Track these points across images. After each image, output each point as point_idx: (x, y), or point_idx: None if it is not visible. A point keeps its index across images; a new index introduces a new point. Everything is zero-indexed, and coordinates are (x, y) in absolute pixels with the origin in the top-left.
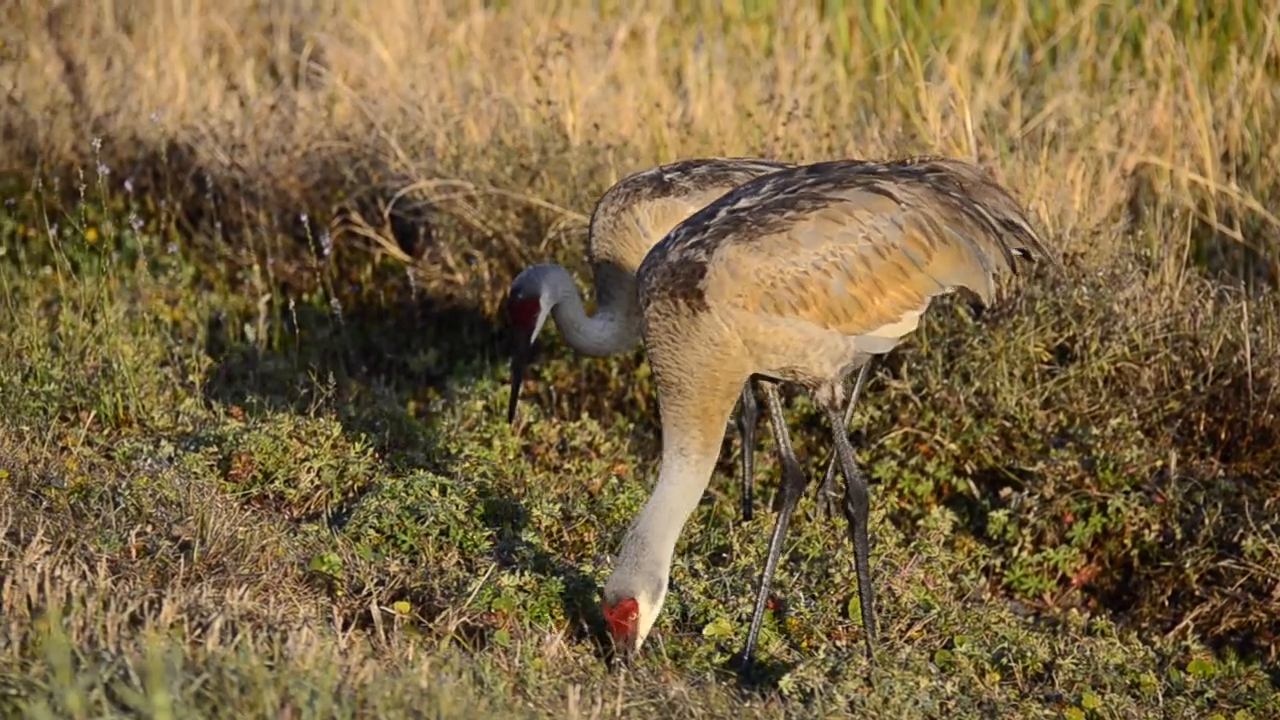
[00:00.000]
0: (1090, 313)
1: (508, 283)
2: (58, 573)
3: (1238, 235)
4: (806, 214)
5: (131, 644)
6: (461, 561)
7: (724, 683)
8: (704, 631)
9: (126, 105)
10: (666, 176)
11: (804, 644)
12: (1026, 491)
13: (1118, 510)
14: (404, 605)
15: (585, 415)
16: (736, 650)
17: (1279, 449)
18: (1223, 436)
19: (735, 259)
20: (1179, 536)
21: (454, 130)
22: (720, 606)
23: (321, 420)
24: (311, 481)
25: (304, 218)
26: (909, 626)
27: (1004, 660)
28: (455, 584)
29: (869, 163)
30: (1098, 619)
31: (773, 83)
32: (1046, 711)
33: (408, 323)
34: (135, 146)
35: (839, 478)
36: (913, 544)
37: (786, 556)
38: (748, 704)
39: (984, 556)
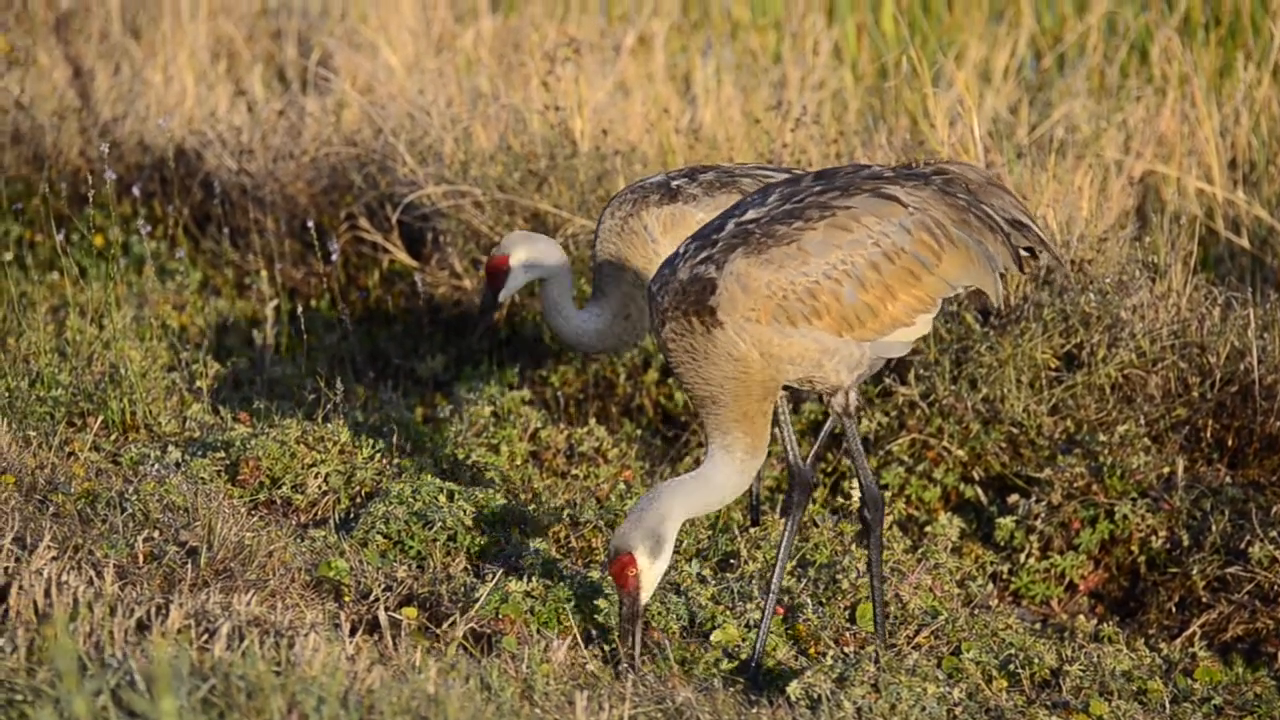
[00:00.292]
0: (1097, 319)
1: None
2: (64, 578)
3: (1245, 243)
4: (815, 223)
5: (138, 650)
6: (469, 567)
7: (731, 689)
8: (711, 637)
9: (134, 110)
10: (674, 183)
11: (811, 650)
12: (1034, 498)
13: (1125, 517)
14: (411, 611)
15: (593, 421)
16: (744, 656)
17: None
18: (1230, 443)
19: (746, 273)
20: (1186, 543)
21: (462, 136)
22: (728, 613)
23: (329, 426)
24: (319, 487)
25: (311, 223)
26: (916, 633)
27: (1011, 666)
28: (463, 590)
29: (875, 167)
30: (1105, 625)
31: (781, 89)
32: (1053, 718)
33: (415, 328)
34: (143, 152)
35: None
36: (920, 550)
37: (794, 563)
38: (755, 710)
39: (991, 563)
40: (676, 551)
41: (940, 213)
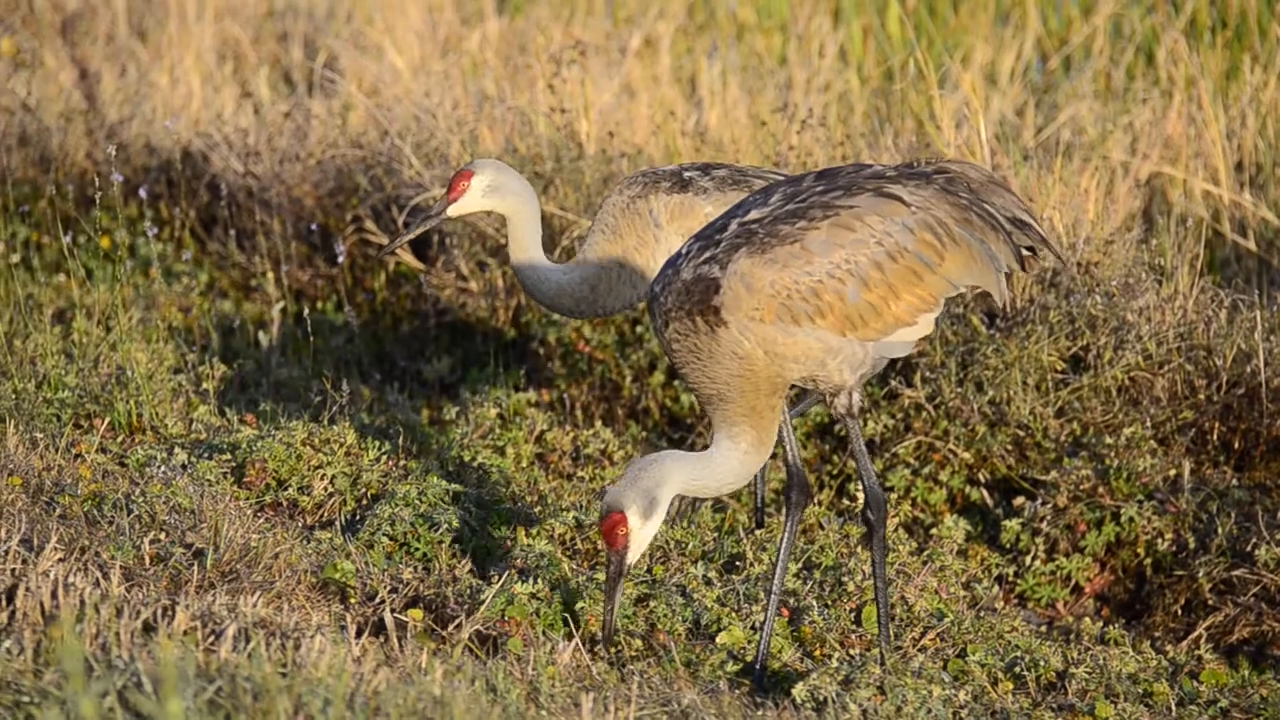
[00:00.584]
0: (1104, 322)
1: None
2: (71, 580)
3: (1251, 245)
4: (818, 223)
5: (145, 651)
6: (475, 569)
7: (737, 691)
8: (717, 640)
9: (141, 112)
10: (686, 174)
11: (817, 652)
12: (1040, 500)
13: (1131, 519)
14: (417, 613)
15: (599, 423)
16: (750, 658)
17: None
18: (1236, 446)
19: (749, 272)
20: (1192, 546)
21: (468, 138)
22: (733, 615)
23: (335, 428)
24: (325, 489)
25: (317, 226)
26: (922, 635)
27: (1017, 669)
28: (468, 592)
29: (876, 166)
30: (1111, 628)
31: (786, 91)
32: None
33: (421, 330)
34: (149, 154)
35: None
36: (926, 552)
37: (800, 565)
38: (761, 712)
39: (997, 565)
40: (682, 553)
41: (943, 212)
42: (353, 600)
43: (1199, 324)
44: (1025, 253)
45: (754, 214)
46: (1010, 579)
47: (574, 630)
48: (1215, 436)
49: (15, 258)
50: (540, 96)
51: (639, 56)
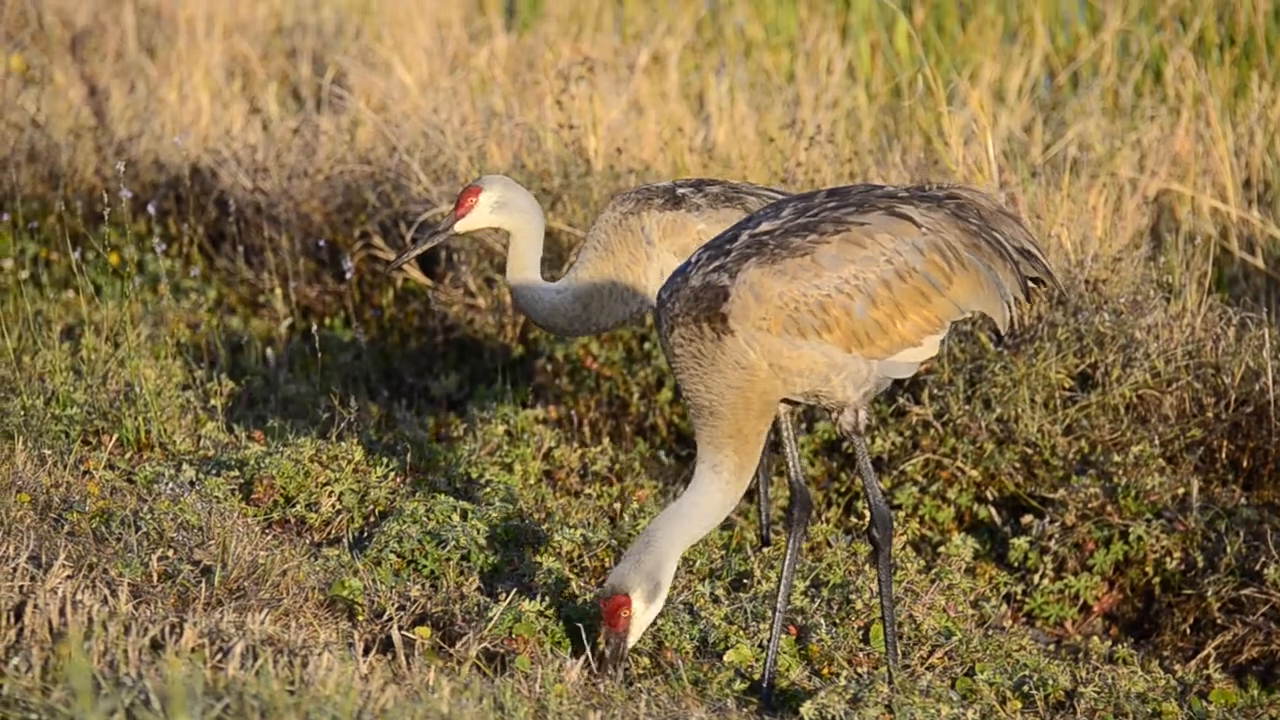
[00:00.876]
0: (1112, 339)
1: None
2: (79, 597)
3: (1259, 263)
4: (829, 237)
5: (153, 668)
6: (482, 586)
7: (745, 709)
8: (724, 658)
9: (149, 129)
10: (680, 191)
11: (825, 670)
12: (1048, 519)
13: (1139, 538)
14: (425, 630)
15: (606, 440)
16: (757, 676)
17: None
18: (1245, 464)
19: (759, 282)
20: (1201, 564)
21: (476, 154)
22: (741, 633)
23: (343, 444)
24: (333, 506)
25: (325, 242)
26: (930, 653)
27: (1025, 688)
28: (476, 609)
29: (888, 187)
30: (1119, 647)
31: (794, 108)
32: None
33: (429, 347)
34: (158, 170)
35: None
36: (934, 571)
37: (807, 583)
38: None
39: (1005, 583)
40: (690, 571)
41: (953, 236)
42: (360, 617)
43: (1207, 342)
44: (1030, 283)
45: (765, 226)
46: (1018, 597)
47: (582, 648)
48: (1224, 455)
49: (24, 274)
50: (548, 113)
51: (647, 73)
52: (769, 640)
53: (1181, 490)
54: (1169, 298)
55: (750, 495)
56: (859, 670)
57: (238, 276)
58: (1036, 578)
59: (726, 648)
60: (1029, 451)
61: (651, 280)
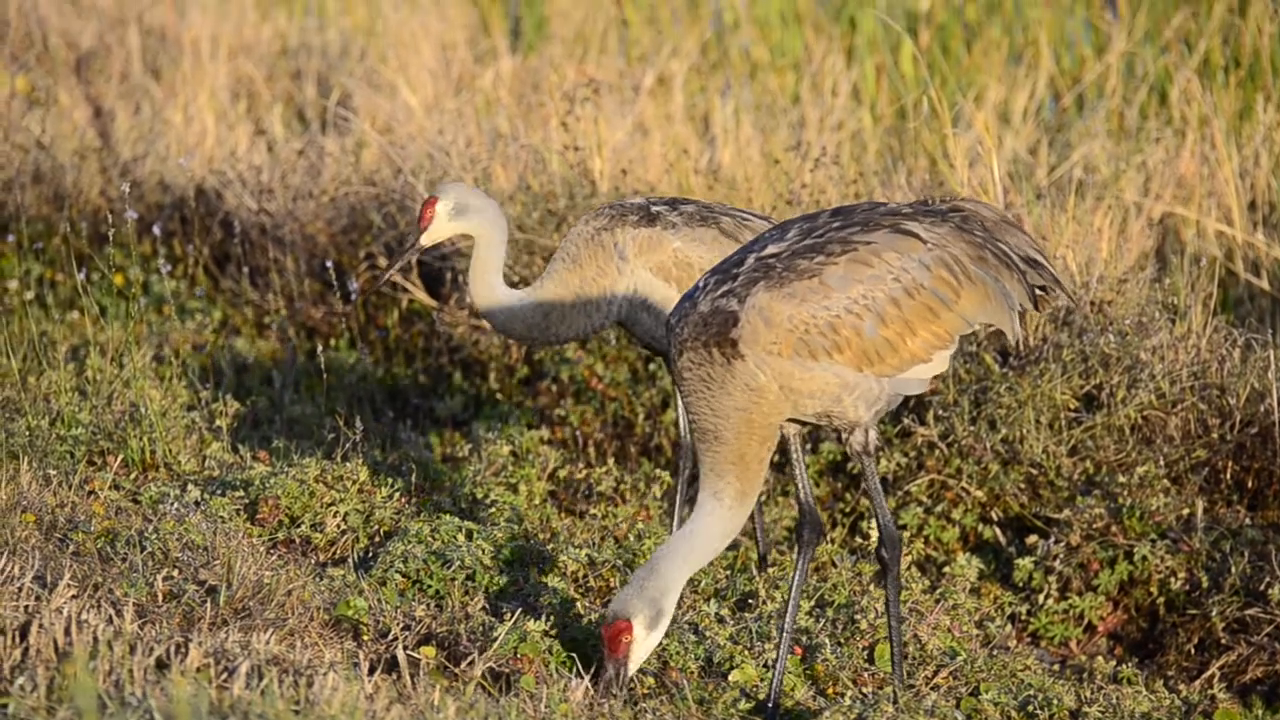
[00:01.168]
0: (1117, 361)
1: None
2: (84, 616)
3: (1264, 284)
4: (836, 258)
5: (158, 688)
6: (487, 606)
7: None
8: (729, 677)
9: (154, 150)
10: (654, 208)
11: (830, 690)
12: (1053, 539)
13: (1144, 558)
14: (430, 650)
15: (611, 461)
16: (762, 696)
17: None
18: (1249, 485)
19: (768, 306)
20: (1205, 585)
21: (481, 176)
22: (746, 653)
23: (348, 465)
24: (338, 526)
25: (331, 263)
26: (935, 673)
27: (1030, 708)
28: (481, 629)
29: (892, 204)
30: (1124, 667)
31: (800, 130)
32: None
33: (434, 368)
34: (163, 191)
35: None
36: (939, 591)
37: (812, 603)
38: None
39: (1010, 604)
40: (695, 591)
41: (959, 250)
42: (365, 637)
43: (1212, 363)
44: (1038, 292)
45: (771, 249)
46: (1023, 617)
47: (587, 668)
48: (1228, 476)
49: (29, 295)
50: (554, 134)
51: (652, 95)
52: (774, 660)
53: (1186, 511)
54: (1174, 319)
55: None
56: (864, 690)
57: (243, 297)
58: (1041, 598)
59: (731, 667)
60: (1034, 472)
61: (619, 295)
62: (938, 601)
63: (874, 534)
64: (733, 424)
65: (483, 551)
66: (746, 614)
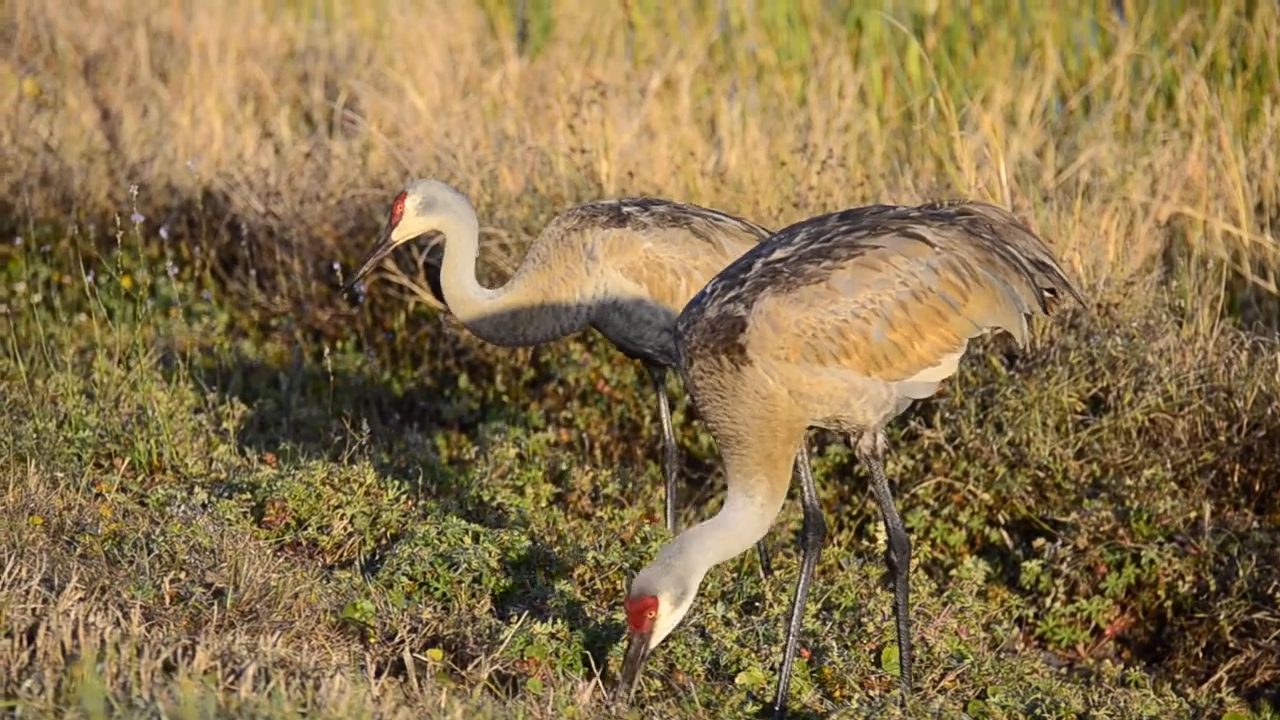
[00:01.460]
0: (1124, 363)
1: None
2: (92, 619)
3: (1271, 286)
4: (843, 262)
5: (165, 691)
6: (494, 609)
7: None
8: (736, 680)
9: (162, 153)
10: (625, 209)
11: (837, 693)
12: (1060, 542)
13: (1151, 561)
14: (436, 653)
15: (618, 463)
16: (770, 699)
17: None
18: (1257, 488)
19: (775, 311)
20: (1213, 588)
21: (488, 178)
22: (753, 655)
23: (355, 467)
24: (344, 528)
25: (338, 265)
26: (942, 676)
27: (1037, 711)
28: (488, 631)
29: (900, 207)
30: (1131, 670)
31: (806, 132)
32: None
33: (441, 370)
34: (170, 194)
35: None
36: (946, 594)
37: (819, 606)
38: None
39: (1017, 607)
40: (701, 594)
41: (966, 253)
42: (372, 640)
43: (1219, 365)
44: (1047, 295)
45: (778, 253)
46: (1030, 621)
47: (593, 670)
48: (1236, 478)
49: (37, 297)
50: (560, 137)
51: (659, 97)
52: (781, 663)
53: (1193, 514)
54: (1181, 321)
55: None
56: (871, 693)
57: (250, 300)
58: (1048, 601)
59: (738, 670)
60: (1041, 475)
61: (587, 296)
62: (945, 604)
63: (881, 537)
64: (754, 430)
65: (489, 554)
66: (753, 617)
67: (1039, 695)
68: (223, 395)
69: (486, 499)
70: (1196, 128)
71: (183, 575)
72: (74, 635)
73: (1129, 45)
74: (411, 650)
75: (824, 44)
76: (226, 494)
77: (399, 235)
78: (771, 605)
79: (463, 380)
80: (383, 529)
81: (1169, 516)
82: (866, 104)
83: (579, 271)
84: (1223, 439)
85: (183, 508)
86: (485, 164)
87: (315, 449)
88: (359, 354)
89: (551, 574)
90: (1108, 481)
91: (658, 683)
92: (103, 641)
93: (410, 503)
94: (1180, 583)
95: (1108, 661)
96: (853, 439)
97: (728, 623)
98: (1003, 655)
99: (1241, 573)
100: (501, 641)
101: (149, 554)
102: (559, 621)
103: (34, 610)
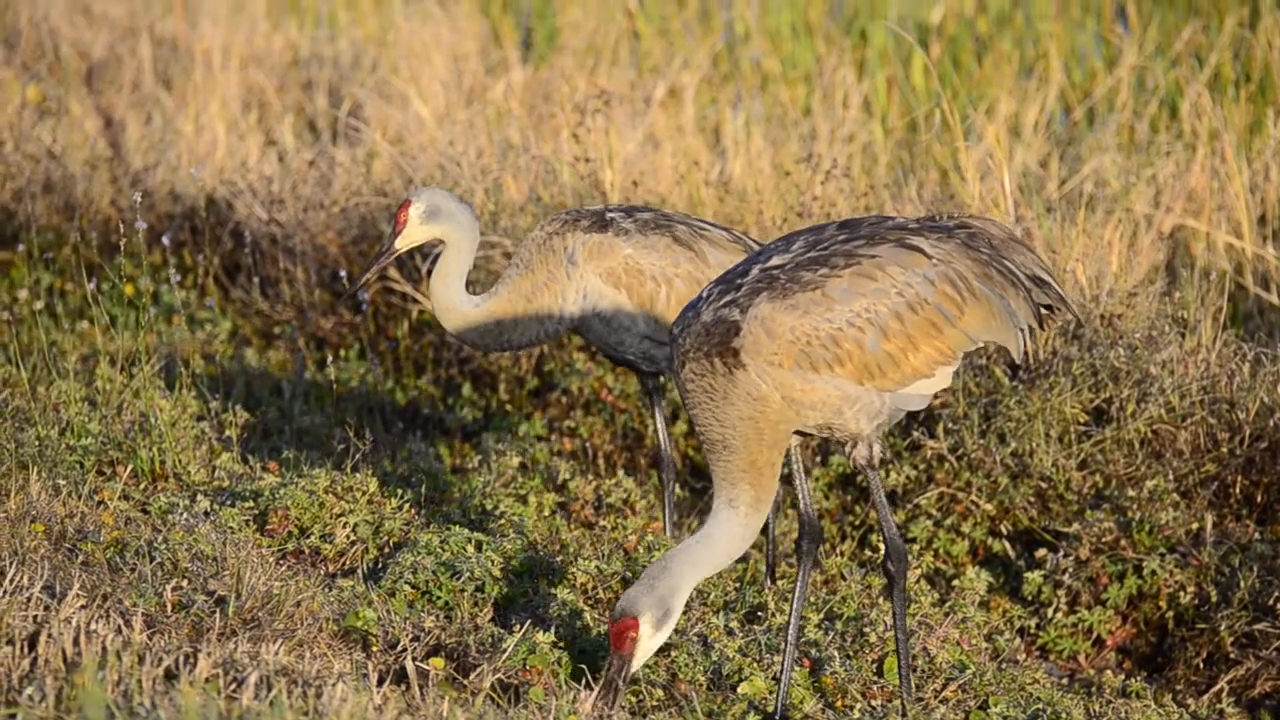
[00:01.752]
0: (1127, 374)
1: None
2: (93, 627)
3: (1274, 298)
4: (840, 271)
5: (167, 699)
6: (496, 618)
7: None
8: (738, 690)
9: (165, 160)
10: (609, 215)
11: (839, 703)
12: (1062, 552)
13: (1153, 572)
14: (439, 661)
15: (621, 473)
16: (771, 709)
17: None
18: (1259, 499)
19: (770, 317)
20: (1214, 599)
21: (492, 187)
22: (755, 665)
23: (358, 475)
24: (347, 537)
25: (341, 273)
26: (944, 686)
27: None
28: (490, 640)
29: (899, 218)
30: (1132, 681)
31: (810, 142)
32: None
33: (444, 379)
34: (173, 201)
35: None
36: (948, 604)
37: (821, 616)
38: None
39: (1019, 617)
40: (704, 603)
41: (963, 266)
42: (374, 648)
43: (1222, 377)
44: (1044, 310)
45: (776, 260)
46: (1032, 631)
47: (594, 680)
48: (1238, 490)
49: (39, 304)
50: (565, 146)
51: (663, 106)
52: (782, 672)
53: (1195, 525)
54: (1184, 333)
55: (764, 527)
56: (873, 703)
57: (253, 308)
58: (1050, 611)
59: (740, 680)
60: (1043, 485)
61: (569, 301)
62: (947, 614)
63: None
64: (740, 433)
65: (492, 563)
66: (755, 626)
67: (1040, 706)
68: (225, 403)
69: (489, 508)
70: (1200, 139)
71: (185, 583)
72: (75, 643)
73: (1133, 56)
74: (414, 659)
75: (829, 54)
76: (229, 502)
77: (402, 243)
78: (774, 615)
79: (466, 389)
80: (385, 537)
81: (1171, 527)
82: (871, 114)
83: (560, 276)
84: (1225, 450)
85: (185, 515)
86: (489, 172)
87: (318, 457)
88: (362, 362)
89: (554, 583)
90: (1110, 492)
91: (660, 692)
92: (104, 649)
93: (413, 511)
94: (1182, 594)
95: (1109, 672)
96: (847, 448)
97: (730, 632)
98: (1004, 666)
99: (1243, 584)
100: (504, 650)
101: (151, 562)
102: (562, 630)
103: (35, 617)
